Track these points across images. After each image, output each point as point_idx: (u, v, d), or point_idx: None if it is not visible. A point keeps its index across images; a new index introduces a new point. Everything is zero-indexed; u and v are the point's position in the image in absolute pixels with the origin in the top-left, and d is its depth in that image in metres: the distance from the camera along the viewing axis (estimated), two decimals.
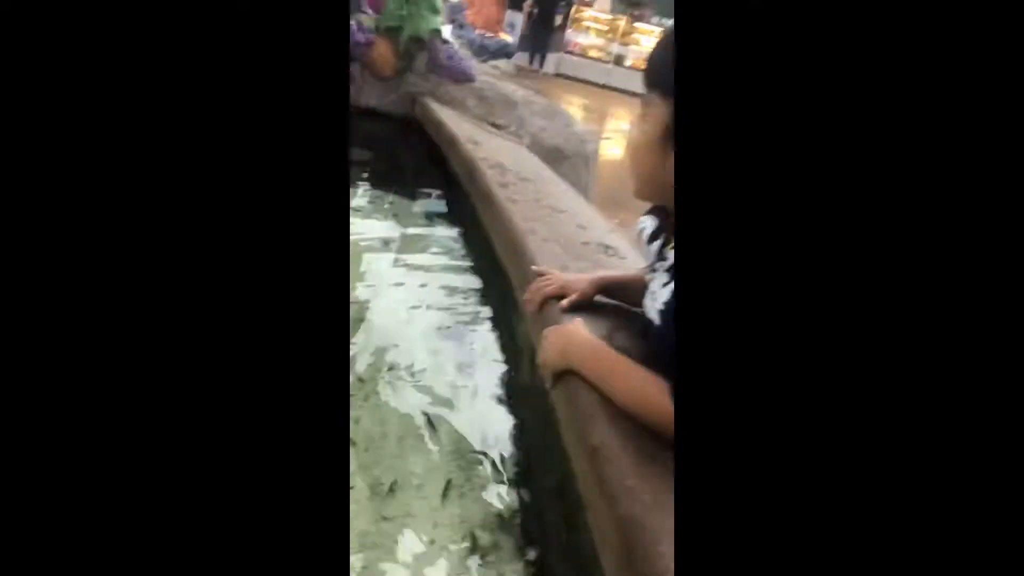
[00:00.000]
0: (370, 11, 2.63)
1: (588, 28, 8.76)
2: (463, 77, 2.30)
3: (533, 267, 0.87)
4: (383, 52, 2.29)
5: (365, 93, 2.30)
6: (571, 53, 8.57)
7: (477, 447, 0.94)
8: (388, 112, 2.31)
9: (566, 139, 2.21)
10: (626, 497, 0.49)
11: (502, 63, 6.34)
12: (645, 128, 0.59)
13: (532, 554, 0.74)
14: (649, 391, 0.59)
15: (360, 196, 1.88)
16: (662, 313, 0.61)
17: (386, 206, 1.86)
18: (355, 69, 2.29)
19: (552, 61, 8.29)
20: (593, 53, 8.73)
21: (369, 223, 1.70)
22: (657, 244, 0.66)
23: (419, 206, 1.88)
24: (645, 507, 0.49)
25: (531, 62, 7.72)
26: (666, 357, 0.56)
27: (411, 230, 1.69)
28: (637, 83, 0.69)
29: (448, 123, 1.85)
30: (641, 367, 0.65)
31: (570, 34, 8.49)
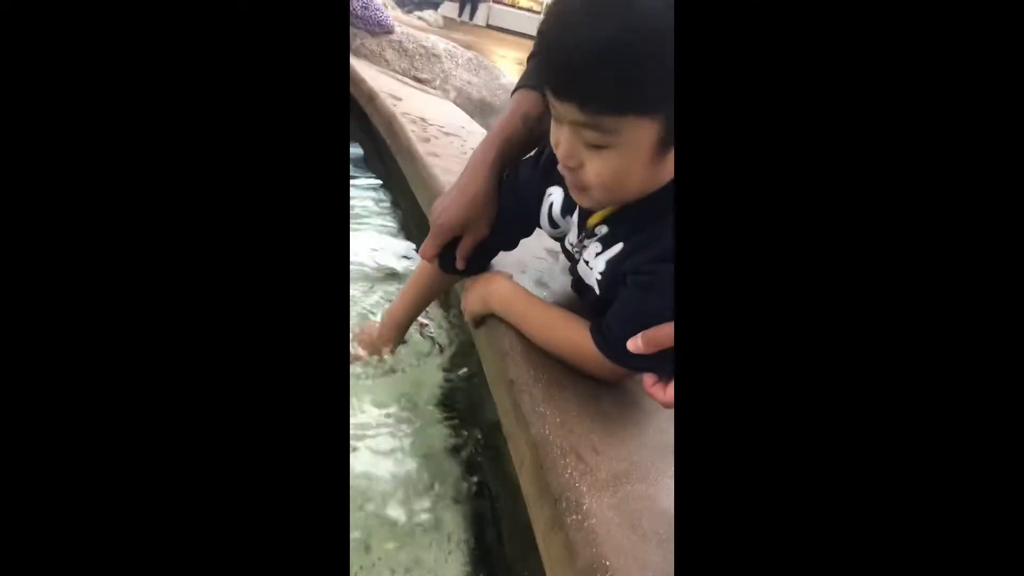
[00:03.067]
0: None
1: None
2: (380, 29, 2.22)
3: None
4: None
5: None
6: (501, 3, 8.36)
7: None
8: None
9: (494, 92, 2.21)
10: (537, 420, 0.55)
11: (428, 14, 6.13)
12: (623, 157, 0.50)
13: (475, 480, 0.80)
14: (563, 326, 0.64)
15: None
16: (600, 283, 0.62)
17: None
18: None
19: (482, 12, 8.08)
20: (524, 3, 8.55)
21: None
22: (574, 216, 0.65)
23: None
24: (555, 427, 0.55)
25: (460, 13, 7.51)
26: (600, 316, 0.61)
27: None
28: None
29: (367, 79, 1.81)
30: (556, 307, 0.70)
31: None
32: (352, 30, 2.27)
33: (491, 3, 8.18)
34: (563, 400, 0.59)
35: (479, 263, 0.75)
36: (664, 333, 0.54)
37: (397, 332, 0.86)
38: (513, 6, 8.42)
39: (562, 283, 0.83)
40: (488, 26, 8.15)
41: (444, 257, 0.73)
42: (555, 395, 0.59)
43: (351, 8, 2.21)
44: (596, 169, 0.52)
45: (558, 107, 0.50)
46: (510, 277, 0.74)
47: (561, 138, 0.53)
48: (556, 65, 0.49)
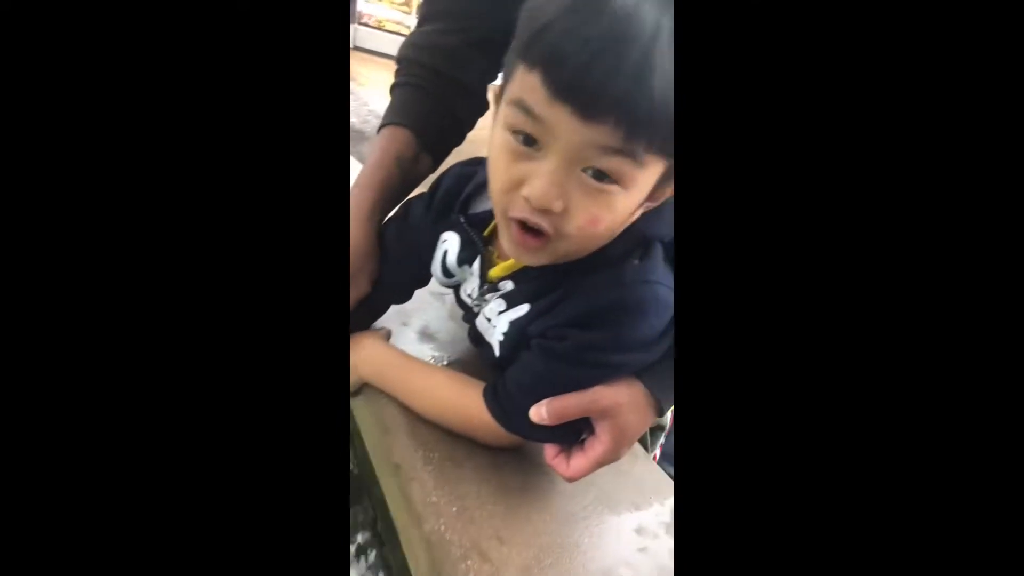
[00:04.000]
0: None
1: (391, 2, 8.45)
2: None
3: None
4: None
5: None
6: (366, 25, 8.22)
7: None
8: None
9: (363, 119, 2.11)
10: (431, 515, 0.47)
11: None
12: (635, 199, 0.41)
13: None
14: (449, 391, 0.57)
15: None
16: (502, 344, 0.54)
17: None
18: None
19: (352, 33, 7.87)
20: (389, 26, 8.45)
21: None
22: (474, 267, 0.56)
23: None
24: (451, 520, 0.48)
25: None
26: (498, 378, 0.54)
27: None
28: None
29: None
30: (439, 369, 0.63)
31: (363, 5, 8.12)
32: None
33: (356, 24, 8.02)
34: (459, 481, 0.52)
35: (365, 322, 0.66)
36: (572, 403, 0.49)
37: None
38: (379, 28, 8.30)
39: (452, 332, 0.76)
40: (355, 48, 7.95)
41: None
42: (449, 476, 0.52)
43: None
44: (593, 214, 0.39)
45: (568, 126, 0.37)
46: (386, 336, 0.66)
47: (538, 170, 0.39)
48: (578, 59, 0.35)
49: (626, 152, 0.37)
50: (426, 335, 0.73)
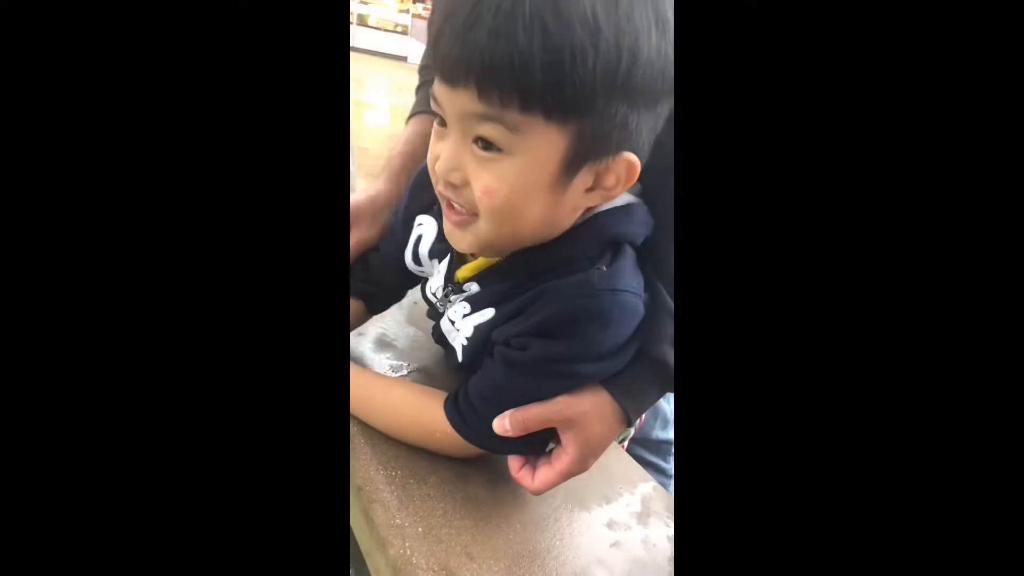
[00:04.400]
0: None
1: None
2: None
3: None
4: None
5: None
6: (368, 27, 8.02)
7: None
8: None
9: None
10: (395, 538, 0.46)
11: None
12: (528, 166, 0.39)
13: None
14: (409, 404, 0.55)
15: None
16: (465, 349, 0.52)
17: None
18: None
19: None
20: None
21: None
22: (443, 264, 0.53)
23: None
24: (417, 541, 0.46)
25: None
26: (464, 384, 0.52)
27: None
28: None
29: None
30: (398, 381, 0.61)
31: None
32: None
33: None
34: (423, 499, 0.50)
35: (362, 284, 0.62)
36: (535, 413, 0.48)
37: None
38: (363, 24, 8.07)
39: (411, 338, 0.74)
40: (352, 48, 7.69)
41: None
42: (413, 494, 0.50)
43: None
44: (485, 183, 0.40)
45: (448, 98, 0.39)
46: None
47: (444, 146, 0.41)
48: (451, 38, 0.37)
49: (493, 117, 0.37)
50: (383, 343, 0.71)
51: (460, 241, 0.45)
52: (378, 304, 0.65)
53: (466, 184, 0.41)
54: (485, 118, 0.38)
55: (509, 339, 0.48)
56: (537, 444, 0.50)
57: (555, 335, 0.46)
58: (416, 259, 0.57)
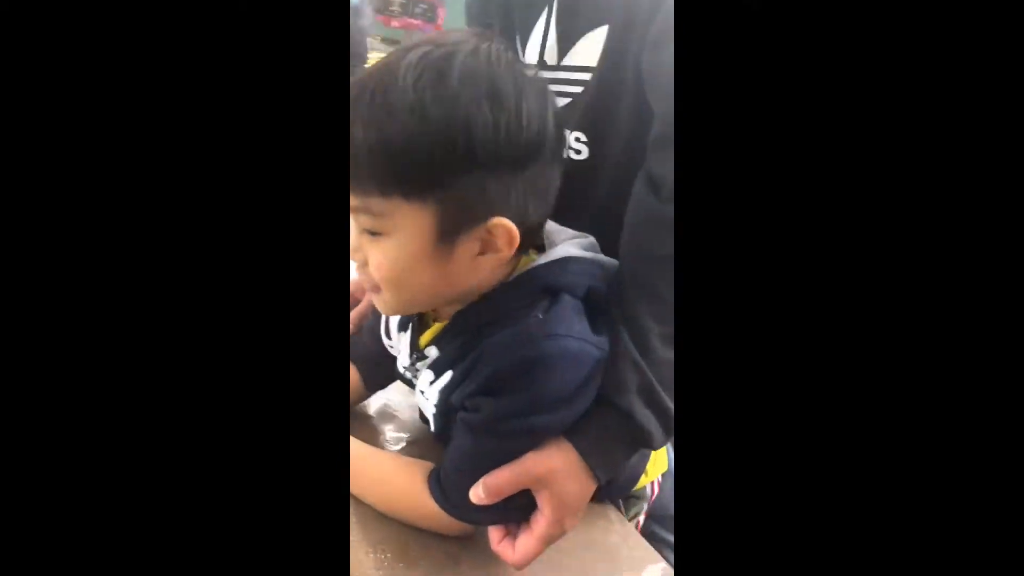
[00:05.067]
0: None
1: None
2: None
3: None
4: None
5: None
6: None
7: None
8: None
9: None
10: None
11: None
12: (401, 244, 0.43)
13: None
14: (397, 479, 0.54)
15: None
16: (436, 418, 0.53)
17: None
18: None
19: None
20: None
21: None
22: (408, 335, 0.55)
23: None
24: None
25: None
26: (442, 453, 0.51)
27: None
28: None
29: None
30: (389, 455, 0.60)
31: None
32: None
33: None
34: None
35: (363, 345, 0.63)
36: (505, 477, 0.46)
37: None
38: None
39: (414, 408, 0.73)
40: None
41: None
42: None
43: None
44: (376, 260, 0.45)
45: None
46: None
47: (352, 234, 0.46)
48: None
49: (362, 208, 0.43)
50: (386, 415, 0.70)
51: (379, 304, 0.49)
52: (374, 380, 0.65)
53: (366, 263, 0.46)
54: (358, 210, 0.43)
55: (464, 401, 0.48)
56: (518, 511, 0.48)
57: (501, 391, 0.45)
58: (387, 333, 0.58)
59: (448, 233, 0.43)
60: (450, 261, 0.44)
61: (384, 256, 0.44)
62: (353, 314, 0.64)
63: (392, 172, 0.41)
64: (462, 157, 0.40)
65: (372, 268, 0.45)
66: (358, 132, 0.40)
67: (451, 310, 0.50)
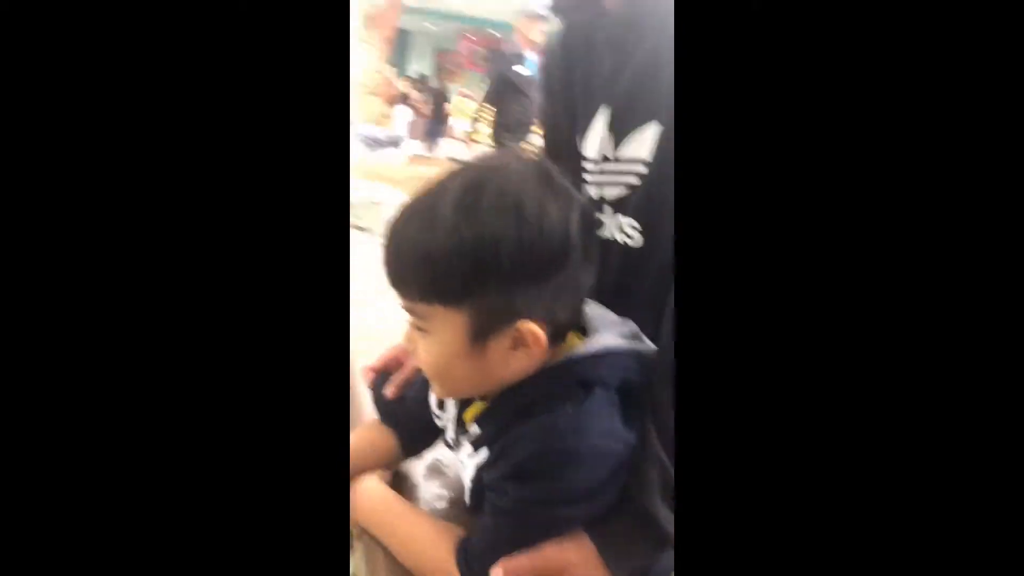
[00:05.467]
0: None
1: (466, 116, 9.15)
2: None
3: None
4: None
5: None
6: (454, 137, 8.91)
7: None
8: None
9: None
10: None
11: (391, 151, 6.49)
12: (440, 343, 0.49)
13: None
14: (429, 544, 0.57)
15: None
16: (471, 492, 0.56)
17: None
18: None
19: (441, 146, 8.57)
20: (477, 138, 9.10)
21: None
22: (453, 409, 0.60)
23: None
24: None
25: (427, 148, 7.94)
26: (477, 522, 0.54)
27: None
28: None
29: None
30: (427, 517, 0.63)
31: (452, 121, 8.85)
32: None
33: (447, 138, 8.70)
34: None
35: (406, 410, 0.68)
36: (524, 565, 0.48)
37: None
38: (465, 140, 8.95)
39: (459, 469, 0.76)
40: (448, 158, 8.56)
41: (380, 383, 0.68)
42: None
43: None
44: (422, 354, 0.51)
45: None
46: (387, 478, 0.67)
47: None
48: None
49: (409, 309, 0.50)
50: (435, 471, 0.74)
51: (434, 388, 0.58)
52: (411, 446, 0.69)
53: (415, 352, 0.53)
54: (407, 310, 0.50)
55: (492, 482, 0.50)
56: None
57: (526, 479, 0.48)
58: (438, 403, 0.63)
59: (480, 335, 0.48)
60: (484, 358, 0.49)
61: (427, 351, 0.51)
62: (397, 377, 0.69)
63: (431, 282, 0.47)
64: (491, 272, 0.45)
65: (419, 360, 0.52)
66: (406, 246, 0.47)
67: (497, 390, 0.54)
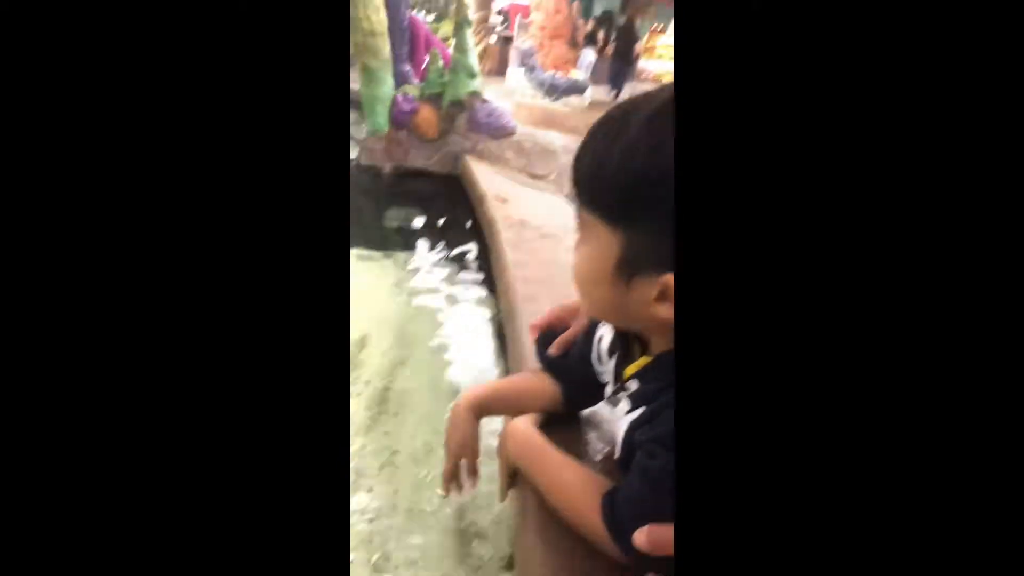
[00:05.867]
0: (416, 80, 2.77)
1: (661, 55, 8.59)
2: (502, 132, 2.35)
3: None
4: (427, 117, 2.40)
5: (412, 155, 2.41)
6: (644, 81, 8.45)
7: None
8: (434, 171, 2.41)
9: None
10: None
11: (574, 99, 6.40)
12: (591, 255, 0.47)
13: None
14: (575, 489, 0.56)
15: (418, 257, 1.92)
16: (622, 447, 0.53)
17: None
18: (402, 134, 2.41)
19: (627, 91, 8.22)
20: (668, 78, 8.55)
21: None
22: (613, 362, 0.58)
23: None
24: None
25: (610, 94, 7.69)
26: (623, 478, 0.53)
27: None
28: None
29: (481, 180, 1.88)
30: (573, 463, 0.62)
31: (642, 63, 8.37)
32: (476, 136, 2.42)
33: (635, 82, 8.31)
34: None
35: (569, 366, 0.67)
36: (666, 537, 0.44)
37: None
38: (658, 82, 8.45)
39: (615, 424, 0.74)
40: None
41: (544, 340, 0.68)
42: None
43: (476, 118, 2.35)
44: (576, 261, 0.50)
45: None
46: (537, 421, 0.67)
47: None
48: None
49: (577, 213, 0.48)
50: (591, 423, 0.72)
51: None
52: (574, 401, 0.68)
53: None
54: (576, 215, 0.49)
55: (644, 443, 0.47)
56: (669, 567, 0.45)
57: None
58: (599, 360, 0.60)
59: (627, 268, 0.45)
60: (627, 295, 0.46)
61: (579, 259, 0.50)
62: (561, 337, 0.67)
63: (597, 190, 0.45)
64: (653, 204, 0.41)
65: (575, 268, 0.50)
66: (589, 146, 0.46)
67: (662, 345, 0.50)
